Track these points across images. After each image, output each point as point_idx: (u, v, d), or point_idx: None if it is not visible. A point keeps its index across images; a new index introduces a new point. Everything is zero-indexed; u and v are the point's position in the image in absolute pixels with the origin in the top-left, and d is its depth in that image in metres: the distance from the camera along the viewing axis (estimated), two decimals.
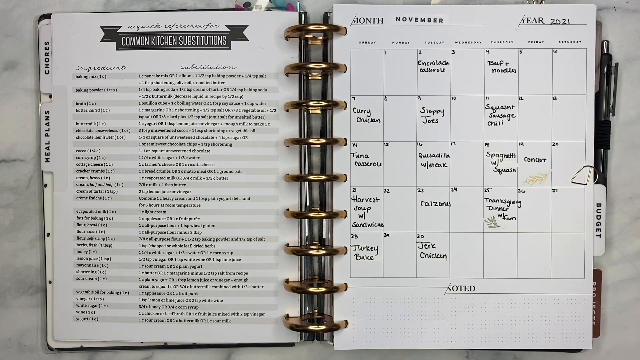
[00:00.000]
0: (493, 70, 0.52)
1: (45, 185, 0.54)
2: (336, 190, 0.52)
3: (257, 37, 0.52)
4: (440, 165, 0.52)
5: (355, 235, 0.52)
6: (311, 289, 0.51)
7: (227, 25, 0.53)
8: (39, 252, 0.54)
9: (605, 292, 0.54)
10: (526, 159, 0.52)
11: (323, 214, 0.51)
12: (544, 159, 0.52)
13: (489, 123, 0.52)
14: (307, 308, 0.53)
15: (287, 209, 0.52)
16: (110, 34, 0.53)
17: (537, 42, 0.52)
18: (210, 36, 0.53)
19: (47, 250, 0.54)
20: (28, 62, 0.54)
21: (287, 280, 0.53)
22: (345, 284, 0.52)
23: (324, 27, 0.51)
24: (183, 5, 0.54)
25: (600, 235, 0.52)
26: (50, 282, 0.54)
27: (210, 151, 0.53)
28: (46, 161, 0.53)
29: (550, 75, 0.52)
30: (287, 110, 0.52)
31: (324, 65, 0.51)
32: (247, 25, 0.52)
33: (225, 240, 0.53)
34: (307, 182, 0.53)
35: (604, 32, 0.53)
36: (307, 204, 0.53)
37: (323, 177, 0.52)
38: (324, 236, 0.53)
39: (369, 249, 0.52)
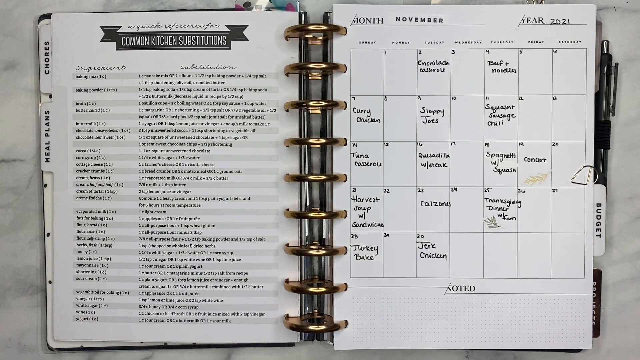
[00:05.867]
0: (493, 70, 0.52)
1: (45, 185, 0.54)
2: (336, 190, 0.52)
3: (257, 37, 0.52)
4: (440, 165, 0.52)
5: (355, 235, 0.52)
6: (311, 289, 0.51)
7: (227, 25, 0.53)
8: (39, 252, 0.54)
9: (605, 292, 0.54)
10: (526, 159, 0.52)
11: (323, 214, 0.51)
12: (544, 159, 0.52)
13: (489, 123, 0.52)
14: (307, 308, 0.53)
15: (287, 209, 0.52)
16: (110, 34, 0.53)
17: (537, 42, 0.52)
18: (210, 36, 0.53)
19: (47, 250, 0.54)
20: (28, 62, 0.54)
21: (287, 280, 0.53)
22: (345, 284, 0.52)
23: (324, 27, 0.51)
24: (183, 5, 0.54)
25: (600, 235, 0.52)
26: (50, 282, 0.54)
27: (210, 151, 0.53)
28: (46, 161, 0.53)
29: (550, 75, 0.52)
30: (287, 110, 0.52)
31: (324, 65, 0.51)
32: (247, 25, 0.52)
33: (225, 240, 0.53)
34: (307, 182, 0.53)
35: (604, 32, 0.53)
36: (307, 204, 0.53)
37: (323, 177, 0.52)
38: (324, 236, 0.53)
39: (369, 249, 0.52)
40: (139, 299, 0.53)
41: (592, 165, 0.52)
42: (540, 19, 0.52)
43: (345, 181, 0.52)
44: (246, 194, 0.53)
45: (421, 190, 0.52)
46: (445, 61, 0.52)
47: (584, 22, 0.51)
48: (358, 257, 0.52)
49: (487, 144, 0.52)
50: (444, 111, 0.52)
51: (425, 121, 0.52)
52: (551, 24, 0.52)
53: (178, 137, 0.53)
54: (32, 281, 0.55)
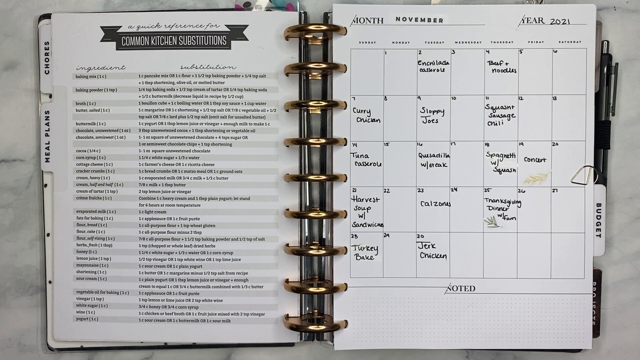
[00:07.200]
0: (493, 70, 0.52)
1: (45, 185, 0.54)
2: (336, 190, 0.52)
3: (257, 37, 0.52)
4: (440, 165, 0.52)
5: (355, 235, 0.52)
6: (311, 289, 0.51)
7: (227, 25, 0.53)
8: (39, 252, 0.54)
9: (605, 292, 0.54)
10: (526, 159, 0.52)
11: (323, 214, 0.51)
12: (544, 159, 0.52)
13: (489, 123, 0.52)
14: (307, 308, 0.53)
15: (287, 209, 0.52)
16: (110, 34, 0.53)
17: (537, 42, 0.52)
18: (210, 36, 0.53)
19: (47, 250, 0.54)
20: (28, 62, 0.54)
21: (287, 280, 0.53)
22: (345, 284, 0.52)
23: (324, 27, 0.51)
24: (183, 5, 0.54)
25: (600, 235, 0.52)
26: (50, 282, 0.54)
27: (210, 151, 0.53)
28: (46, 161, 0.53)
29: (550, 75, 0.52)
30: (287, 110, 0.52)
31: (324, 65, 0.51)
32: (247, 25, 0.52)
33: (225, 240, 0.53)
34: (307, 182, 0.53)
35: (604, 32, 0.53)
36: (307, 204, 0.53)
37: (323, 177, 0.52)
38: (324, 236, 0.53)
39: (369, 249, 0.52)
40: (139, 299, 0.53)
41: (592, 165, 0.52)
42: (540, 19, 0.52)
43: (345, 181, 0.52)
44: (246, 194, 0.53)
45: (421, 190, 0.52)
46: (445, 61, 0.52)
47: (584, 22, 0.51)
48: (358, 257, 0.52)
49: (487, 144, 0.52)
50: (444, 111, 0.52)
51: (425, 121, 0.52)
52: (551, 24, 0.52)
53: (178, 137, 0.53)
54: (32, 281, 0.55)
